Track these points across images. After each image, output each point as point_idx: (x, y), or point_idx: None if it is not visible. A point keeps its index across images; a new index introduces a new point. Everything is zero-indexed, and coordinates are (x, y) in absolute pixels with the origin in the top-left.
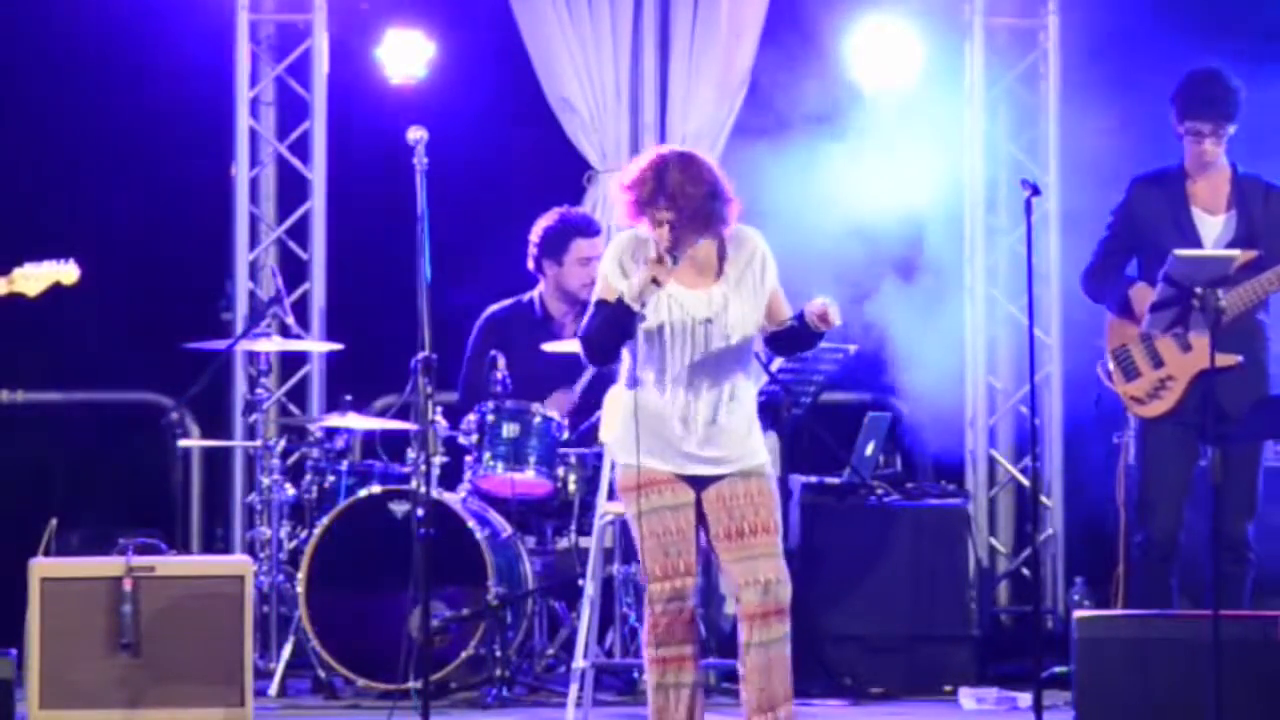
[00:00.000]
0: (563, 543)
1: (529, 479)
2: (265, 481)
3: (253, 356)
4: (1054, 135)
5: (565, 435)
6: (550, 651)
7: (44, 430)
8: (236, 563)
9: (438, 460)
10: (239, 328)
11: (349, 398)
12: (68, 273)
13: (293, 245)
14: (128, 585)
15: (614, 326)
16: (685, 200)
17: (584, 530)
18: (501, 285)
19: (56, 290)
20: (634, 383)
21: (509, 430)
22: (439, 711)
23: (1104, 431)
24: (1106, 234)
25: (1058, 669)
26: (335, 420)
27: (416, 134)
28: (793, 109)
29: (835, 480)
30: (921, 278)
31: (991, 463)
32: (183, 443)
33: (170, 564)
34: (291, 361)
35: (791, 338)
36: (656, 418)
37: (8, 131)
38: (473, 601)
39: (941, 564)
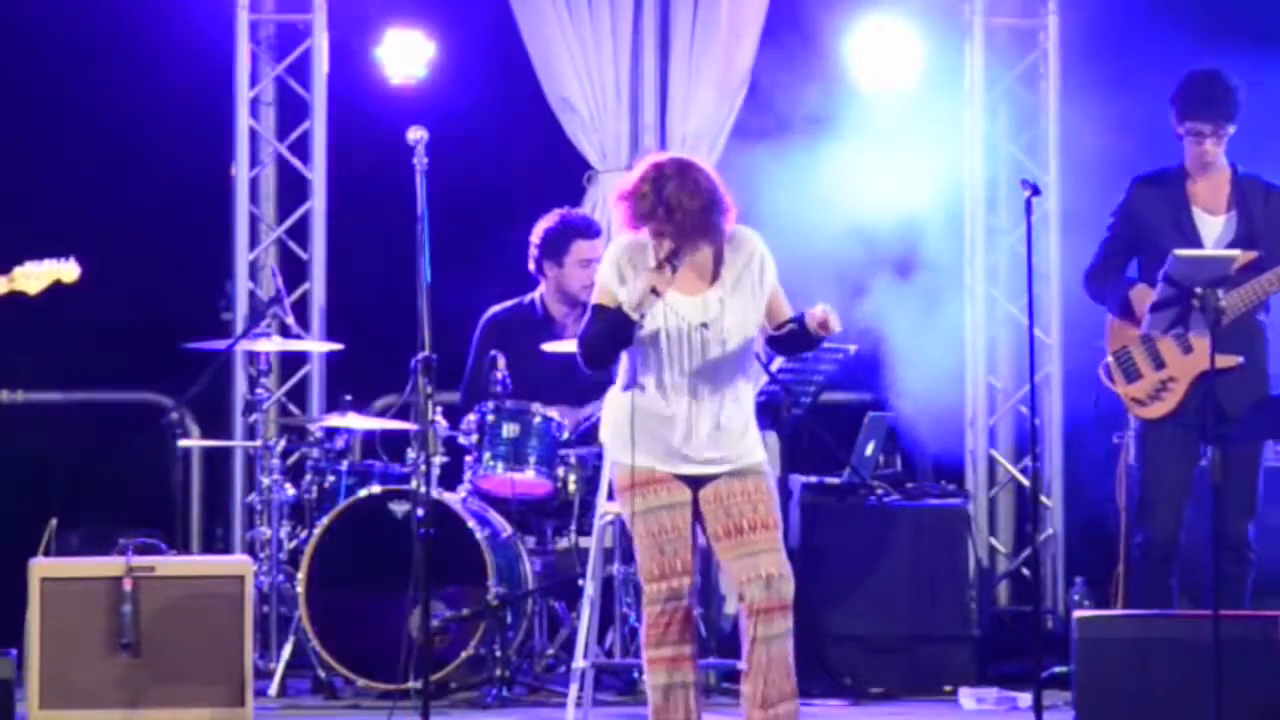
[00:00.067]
0: (563, 543)
1: (529, 479)
2: (265, 481)
3: (253, 356)
4: (1054, 135)
5: (565, 435)
6: (550, 651)
7: (44, 430)
8: (236, 563)
9: (438, 460)
10: (239, 328)
11: (349, 398)
12: (68, 271)
13: (293, 245)
14: (128, 585)
15: (612, 335)
16: (683, 213)
17: (584, 530)
18: (502, 286)
19: (57, 290)
20: (631, 384)
21: (509, 430)
22: (439, 711)
23: (1104, 431)
24: (1107, 234)
25: (1058, 669)
26: (335, 420)
27: (416, 134)
28: (793, 109)
29: (835, 480)
30: (921, 278)
31: (991, 463)
32: (183, 443)
33: (170, 564)
34: (291, 361)
35: (792, 339)
36: (656, 420)
37: (7, 131)
38: (473, 601)
39: (941, 564)
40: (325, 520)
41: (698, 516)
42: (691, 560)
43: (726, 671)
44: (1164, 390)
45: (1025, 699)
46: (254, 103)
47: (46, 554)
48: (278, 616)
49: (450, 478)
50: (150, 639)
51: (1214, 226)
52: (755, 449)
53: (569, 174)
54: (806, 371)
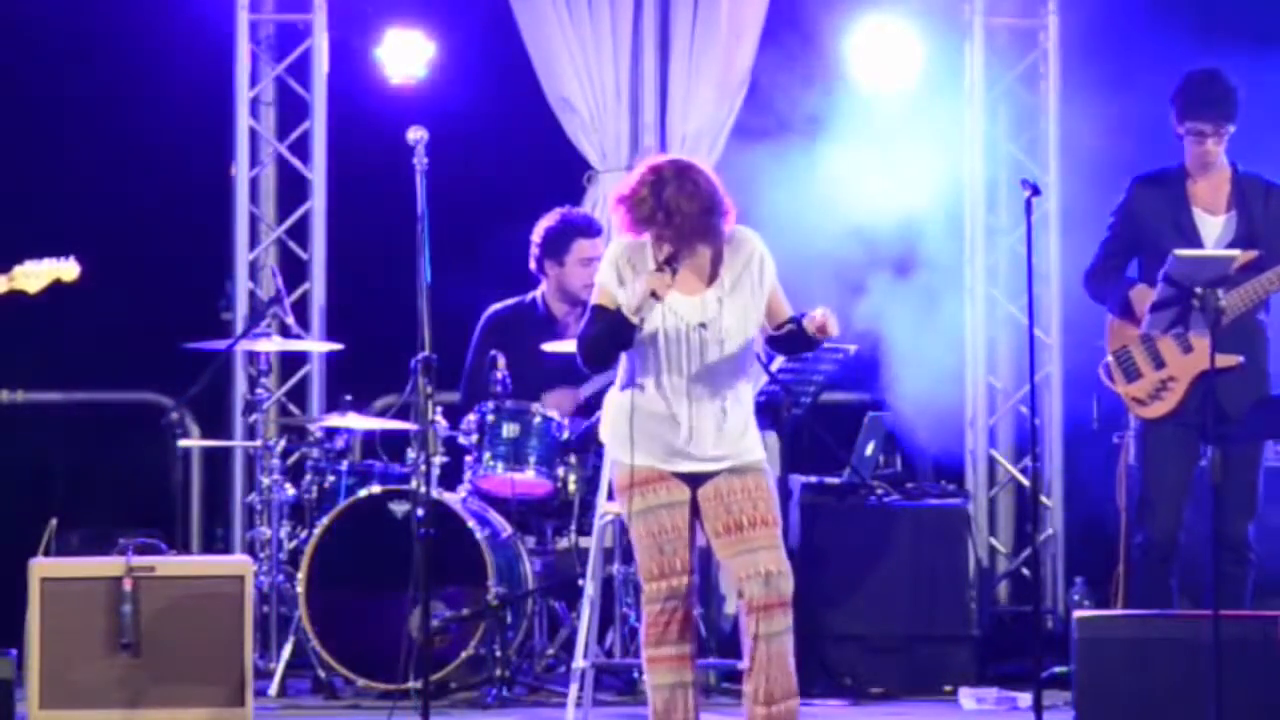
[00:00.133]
0: (563, 543)
1: (529, 479)
2: (265, 481)
3: (253, 356)
4: (1054, 135)
5: (565, 435)
6: (550, 651)
7: (44, 430)
8: (236, 563)
9: (438, 460)
10: (239, 328)
11: (349, 398)
12: (68, 270)
13: (293, 245)
14: (128, 585)
15: (612, 337)
16: (682, 217)
17: (584, 530)
18: (501, 285)
19: (57, 290)
20: (630, 384)
21: (509, 430)
22: (439, 711)
23: (1104, 431)
24: (1108, 234)
25: (1058, 669)
26: (335, 420)
27: (416, 134)
28: (793, 109)
29: (835, 480)
30: (921, 278)
31: (991, 463)
32: (183, 443)
33: (170, 564)
34: (291, 361)
35: (791, 340)
36: (656, 419)
37: (7, 131)
38: (473, 601)
39: (941, 564)
40: (325, 520)
41: (697, 514)
42: (691, 559)
43: (726, 671)
44: (1164, 390)
45: (1025, 699)
46: (254, 103)
47: (46, 554)
48: (278, 616)
49: (450, 478)
50: (150, 639)
51: (1214, 226)
52: (755, 447)
53: (569, 174)
54: (806, 371)
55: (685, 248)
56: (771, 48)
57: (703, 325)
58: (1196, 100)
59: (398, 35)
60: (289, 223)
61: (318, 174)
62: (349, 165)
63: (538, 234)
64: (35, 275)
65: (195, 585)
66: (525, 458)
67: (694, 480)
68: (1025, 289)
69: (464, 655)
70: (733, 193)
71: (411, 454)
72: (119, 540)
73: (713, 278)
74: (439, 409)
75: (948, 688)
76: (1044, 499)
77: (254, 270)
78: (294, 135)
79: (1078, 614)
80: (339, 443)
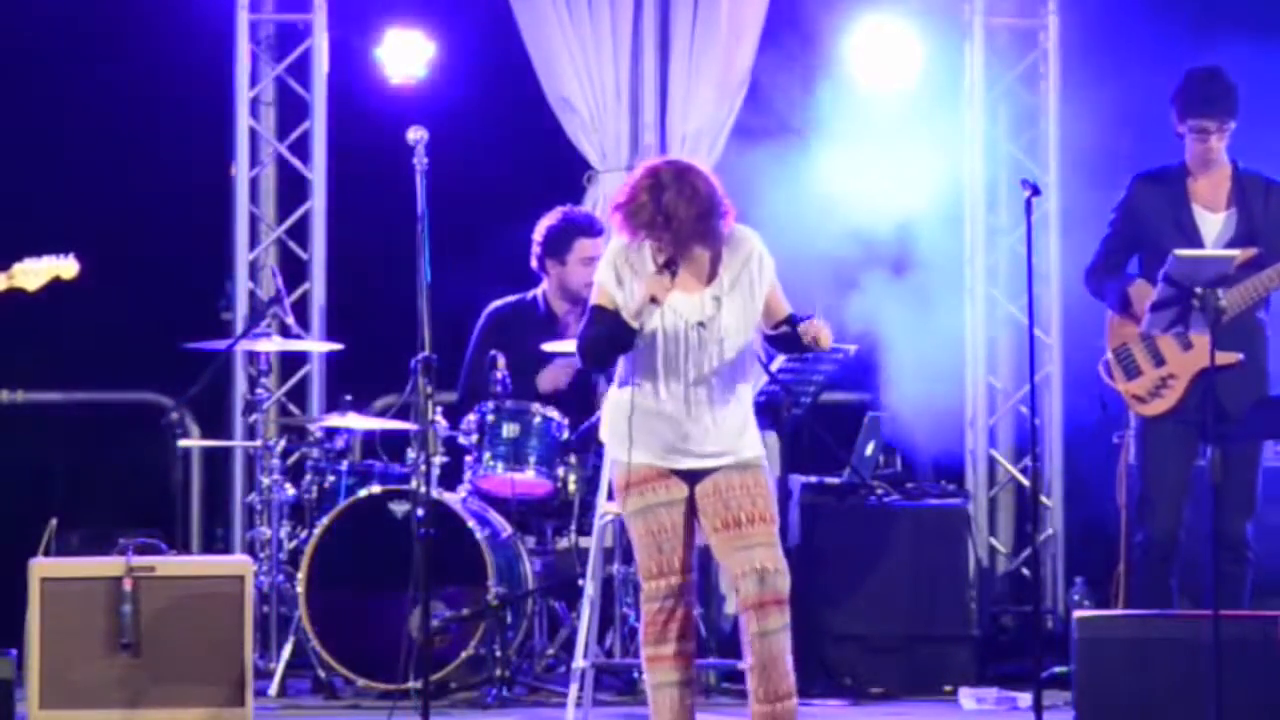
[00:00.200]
0: (563, 543)
1: (529, 479)
2: (265, 481)
3: (253, 356)
4: (1054, 135)
5: (565, 435)
6: (550, 651)
7: (44, 430)
8: (236, 563)
9: (438, 460)
10: (239, 328)
11: (349, 398)
12: (67, 267)
13: (293, 245)
14: (128, 585)
15: (611, 341)
16: (680, 221)
17: (584, 530)
18: (501, 285)
19: (57, 290)
20: (629, 382)
21: (509, 430)
22: (439, 711)
23: (1104, 431)
24: (1108, 231)
25: (1058, 669)
26: (335, 420)
27: (416, 134)
28: (793, 109)
29: (835, 480)
30: (921, 278)
31: (991, 463)
32: (183, 443)
33: (170, 564)
34: (291, 361)
35: (788, 341)
36: (655, 418)
37: (8, 131)
38: (473, 601)
39: (941, 564)
40: (325, 520)
41: (695, 511)
42: (689, 558)
43: (726, 671)
44: (1164, 387)
45: (1025, 699)
46: (254, 103)
47: (46, 554)
48: (278, 616)
49: (450, 478)
50: (150, 639)
51: (1214, 224)
52: (753, 444)
53: (569, 174)
54: (806, 371)
55: (685, 250)
56: (771, 48)
57: (701, 324)
58: (1198, 98)
59: (398, 35)
60: (289, 223)
61: (318, 174)
62: (349, 165)
63: (539, 232)
64: (34, 273)
65: (195, 585)
66: (525, 458)
67: (692, 477)
68: (1025, 289)
69: (464, 655)
70: (732, 193)
71: (411, 454)
72: (119, 540)
73: (712, 277)
74: (439, 409)
75: (948, 688)
76: (1044, 499)
77: (254, 270)
78: (294, 135)
79: (1078, 614)
80: (339, 443)
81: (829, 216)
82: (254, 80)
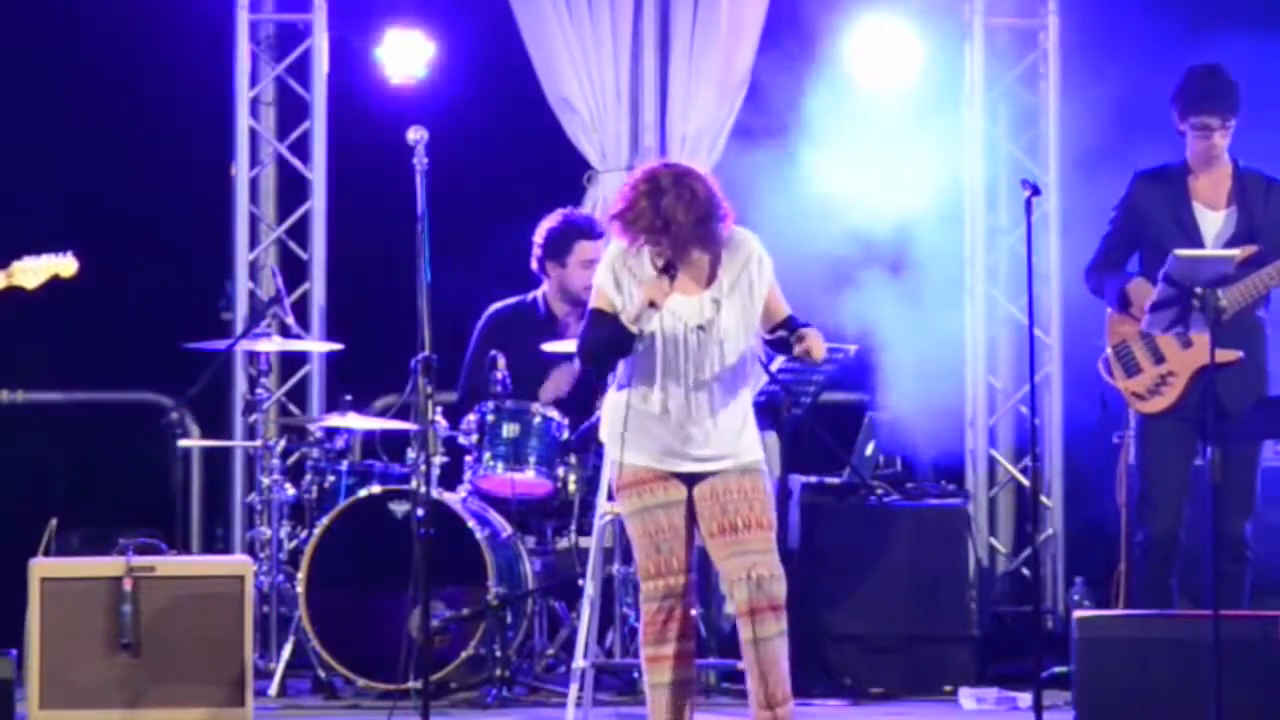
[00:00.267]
0: (563, 543)
1: (529, 479)
2: (265, 481)
3: (253, 356)
4: (1054, 135)
5: (565, 435)
6: (550, 651)
7: (44, 430)
8: (236, 563)
9: (438, 460)
10: (239, 328)
11: (349, 398)
12: (66, 265)
13: (293, 245)
14: (128, 585)
15: (611, 345)
16: (679, 226)
17: (584, 530)
18: (501, 285)
19: (57, 290)
20: (628, 384)
21: (509, 430)
22: (439, 711)
23: (1104, 431)
24: (1109, 228)
25: (1058, 669)
26: (335, 420)
27: (416, 134)
28: (793, 109)
29: (835, 480)
30: (921, 278)
31: (991, 463)
32: (183, 443)
33: (170, 564)
34: (291, 361)
35: (783, 345)
36: (654, 420)
37: (8, 131)
38: (473, 601)
39: (941, 564)
40: (325, 520)
41: (693, 514)
42: (688, 558)
43: (726, 671)
44: (1163, 385)
45: (1025, 699)
46: (254, 103)
47: (46, 554)
48: (278, 616)
49: (450, 478)
50: (150, 639)
51: (1214, 222)
52: (752, 447)
53: (569, 174)
54: (806, 371)
55: (684, 254)
56: (771, 48)
57: (701, 327)
58: (1200, 95)
59: (398, 35)
60: (289, 223)
61: (318, 174)
62: (349, 165)
63: (540, 234)
64: (33, 271)
65: (195, 585)
66: (525, 458)
67: (691, 479)
68: (1025, 289)
69: (464, 655)
70: (732, 193)
71: (411, 454)
72: (119, 540)
73: (711, 280)
74: (439, 409)
75: (948, 688)
76: (1044, 499)
77: (254, 270)
78: (294, 135)
79: (1078, 614)
80: (339, 443)
81: (829, 216)
82: (254, 80)
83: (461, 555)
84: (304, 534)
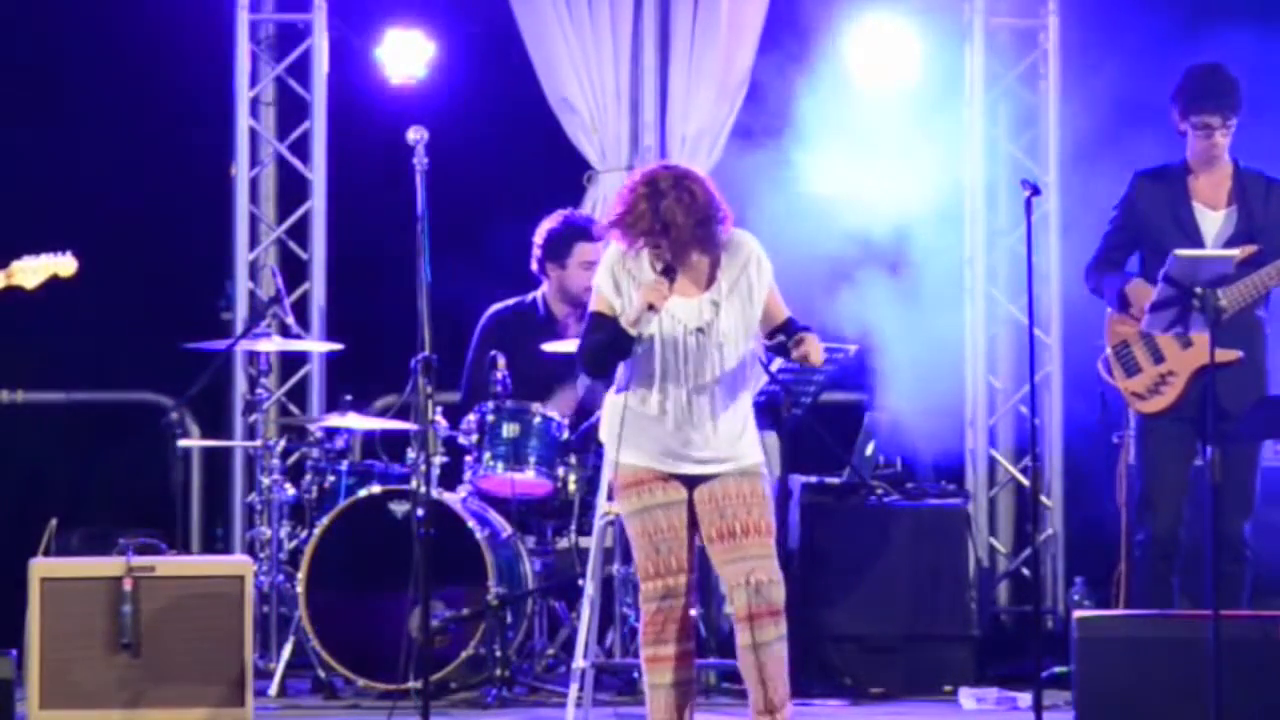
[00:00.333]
0: (563, 543)
1: (529, 479)
2: (265, 481)
3: (253, 356)
4: (1054, 135)
5: (565, 435)
6: (550, 651)
7: (44, 430)
8: (236, 563)
9: (438, 460)
10: (239, 328)
11: (349, 398)
12: (65, 265)
13: (293, 245)
14: (128, 585)
15: (611, 348)
16: (678, 229)
17: (584, 530)
18: (502, 285)
19: (57, 291)
20: (628, 386)
21: (509, 430)
22: (439, 711)
23: (1104, 431)
24: (1109, 227)
25: (1058, 669)
26: (335, 420)
27: (416, 134)
28: (792, 109)
29: (835, 480)
30: (921, 278)
31: (991, 463)
32: (183, 443)
33: (170, 564)
34: (291, 361)
35: (781, 349)
36: (653, 421)
37: (7, 130)
38: (473, 601)
39: (941, 564)
40: (325, 520)
41: (693, 515)
42: (687, 559)
43: (726, 671)
44: (1163, 384)
45: (1025, 699)
46: (254, 103)
47: (46, 554)
48: (278, 616)
49: (450, 478)
50: (150, 639)
51: (1214, 221)
52: (752, 450)
53: (569, 174)
54: (806, 372)
55: (683, 256)
56: (771, 48)
57: (700, 330)
58: (1201, 94)
59: (398, 35)
60: (289, 223)
61: (318, 174)
62: (349, 165)
63: (540, 235)
64: (32, 270)
65: (195, 585)
66: (525, 458)
67: (692, 481)
68: (1025, 289)
69: (464, 655)
70: (732, 193)
71: (411, 454)
72: (119, 540)
73: (710, 282)
74: (439, 409)
75: (948, 688)
76: (1044, 499)
77: (254, 270)
78: (294, 135)
79: (1078, 614)
80: (339, 443)
81: (829, 217)
82: (254, 80)
83: (461, 555)
84: (304, 534)
